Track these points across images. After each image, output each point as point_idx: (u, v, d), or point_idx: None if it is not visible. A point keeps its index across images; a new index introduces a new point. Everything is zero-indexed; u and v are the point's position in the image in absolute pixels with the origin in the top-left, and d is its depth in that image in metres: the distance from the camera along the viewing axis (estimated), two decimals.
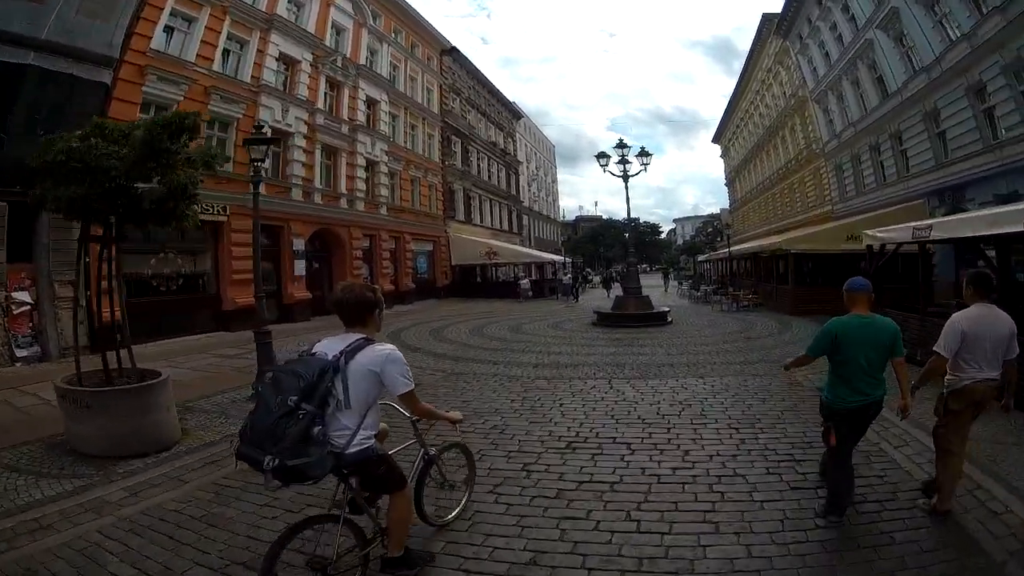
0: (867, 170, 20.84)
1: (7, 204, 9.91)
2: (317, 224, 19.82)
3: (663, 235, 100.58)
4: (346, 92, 21.74)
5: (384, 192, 24.03)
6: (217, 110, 15.91)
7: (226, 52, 16.62)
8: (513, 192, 42.85)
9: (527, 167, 49.96)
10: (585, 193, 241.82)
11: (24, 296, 10.37)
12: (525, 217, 47.34)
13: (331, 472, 2.31)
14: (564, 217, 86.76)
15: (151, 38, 13.90)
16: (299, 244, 18.56)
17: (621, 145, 16.75)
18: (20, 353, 10.14)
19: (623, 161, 16.69)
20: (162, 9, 14.38)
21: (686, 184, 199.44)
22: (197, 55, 15.30)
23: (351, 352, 2.36)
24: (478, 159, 35.84)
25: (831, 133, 23.66)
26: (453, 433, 3.84)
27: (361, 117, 22.52)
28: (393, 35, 25.88)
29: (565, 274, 30.10)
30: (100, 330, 5.76)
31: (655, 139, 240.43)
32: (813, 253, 17.75)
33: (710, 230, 75.98)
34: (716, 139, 51.88)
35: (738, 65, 66.56)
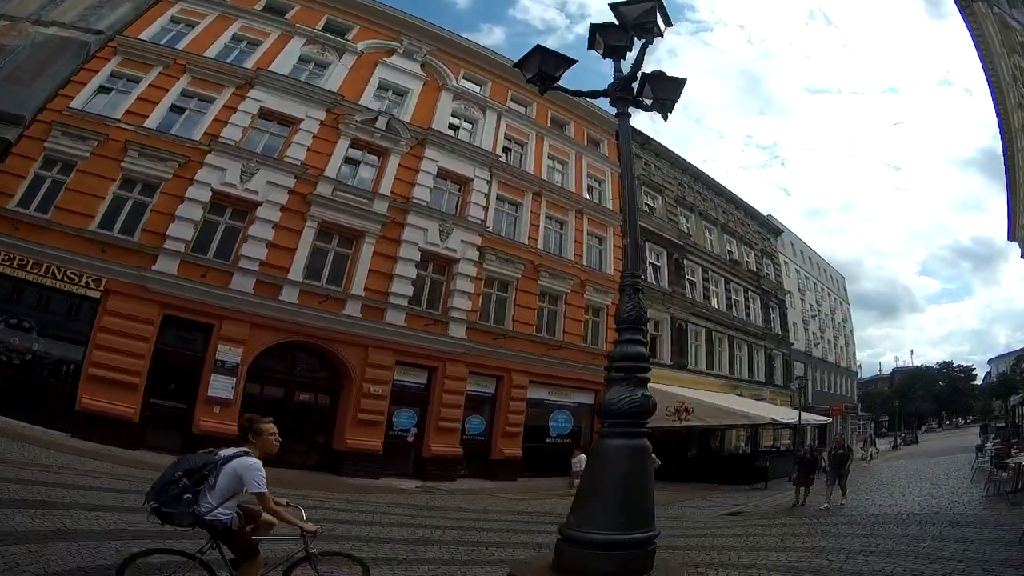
0: None
1: None
2: (284, 333, 13.92)
3: (977, 381, 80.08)
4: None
5: (459, 303, 16.47)
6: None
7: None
8: (775, 331, 31.20)
9: (799, 300, 37.97)
10: (907, 346, 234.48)
11: None
12: (800, 365, 34.56)
13: (196, 527, 3.41)
14: (881, 370, 79.39)
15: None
16: (230, 355, 13.00)
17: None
18: None
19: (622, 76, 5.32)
20: None
21: (997, 323, 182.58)
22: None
23: (229, 457, 3.49)
24: (703, 279, 25.98)
25: None
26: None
27: (423, 193, 16.92)
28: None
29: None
30: None
31: (962, 278, 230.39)
32: None
33: None
34: (1011, 236, 39.15)
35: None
